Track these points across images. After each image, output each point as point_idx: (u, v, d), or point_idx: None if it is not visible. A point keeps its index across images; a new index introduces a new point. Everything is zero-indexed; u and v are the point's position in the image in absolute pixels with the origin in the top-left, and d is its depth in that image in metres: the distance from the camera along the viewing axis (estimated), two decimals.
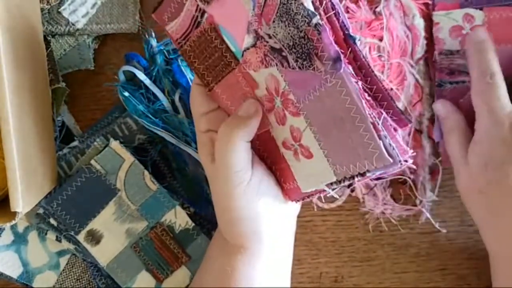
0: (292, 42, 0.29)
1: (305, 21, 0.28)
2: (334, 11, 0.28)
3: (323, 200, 0.46)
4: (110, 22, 0.47)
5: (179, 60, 0.45)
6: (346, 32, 0.28)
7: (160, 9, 0.36)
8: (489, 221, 0.38)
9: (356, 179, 0.30)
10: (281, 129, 0.34)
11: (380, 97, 0.29)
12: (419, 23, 0.43)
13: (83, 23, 0.46)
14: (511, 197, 0.36)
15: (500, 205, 0.37)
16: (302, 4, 0.28)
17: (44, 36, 0.46)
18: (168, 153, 0.47)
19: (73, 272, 0.46)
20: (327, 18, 0.28)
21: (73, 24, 0.46)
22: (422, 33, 0.43)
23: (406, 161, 0.28)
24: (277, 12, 0.29)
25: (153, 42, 0.46)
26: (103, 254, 0.45)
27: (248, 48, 0.32)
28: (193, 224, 0.45)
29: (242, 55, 0.33)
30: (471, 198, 0.39)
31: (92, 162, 0.44)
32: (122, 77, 0.46)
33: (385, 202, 0.45)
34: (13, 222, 0.38)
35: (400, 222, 0.46)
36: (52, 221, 0.44)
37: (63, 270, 0.46)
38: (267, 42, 0.31)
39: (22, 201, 0.37)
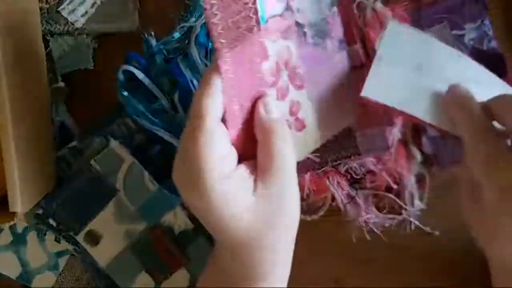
0: (314, 21, 0.35)
1: (328, 8, 0.36)
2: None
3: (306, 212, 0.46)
4: (109, 21, 0.47)
5: (178, 60, 0.45)
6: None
7: None
8: None
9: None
10: (279, 104, 0.34)
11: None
12: None
13: (82, 23, 0.46)
14: None
15: None
16: None
17: (43, 36, 0.46)
18: (168, 153, 0.47)
19: (72, 272, 0.46)
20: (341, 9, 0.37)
21: (72, 24, 0.46)
22: None
23: None
24: None
25: (153, 42, 0.46)
26: (102, 254, 0.44)
27: (273, 16, 0.32)
28: (193, 225, 0.45)
29: (266, 21, 0.32)
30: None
31: (92, 162, 0.44)
32: (121, 76, 0.46)
33: (367, 212, 0.45)
34: (12, 222, 0.38)
35: (401, 222, 0.46)
36: (51, 221, 0.44)
37: (62, 270, 0.46)
38: (294, 14, 0.34)
39: (21, 202, 0.37)
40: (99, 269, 0.45)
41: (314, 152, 0.38)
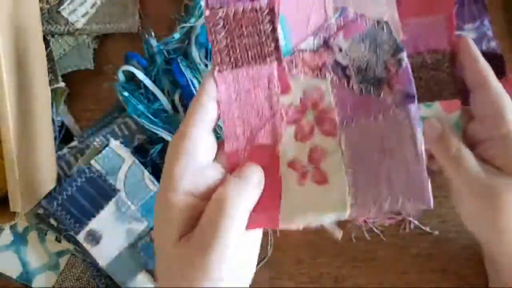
0: (365, 66, 0.30)
1: (391, 52, 0.30)
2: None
3: None
4: (109, 21, 0.47)
5: (178, 60, 0.45)
6: None
7: None
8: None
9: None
10: (296, 145, 0.31)
11: None
12: None
13: (82, 23, 0.46)
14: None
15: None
16: (394, 38, 0.30)
17: (44, 36, 0.46)
18: None
19: (72, 272, 0.46)
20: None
21: (72, 24, 0.46)
22: None
23: None
24: (362, 33, 0.31)
25: (153, 42, 0.46)
26: (103, 254, 0.44)
27: (304, 50, 0.31)
28: None
29: (292, 53, 0.31)
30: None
31: (92, 162, 0.44)
32: (121, 77, 0.46)
33: None
34: (13, 222, 0.38)
35: (401, 222, 0.46)
36: (52, 221, 0.44)
37: (63, 270, 0.46)
38: (334, 54, 0.31)
39: (22, 201, 0.37)
40: (99, 269, 0.45)
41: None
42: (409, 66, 0.30)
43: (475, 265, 0.45)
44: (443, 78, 0.35)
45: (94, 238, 0.44)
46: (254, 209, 0.30)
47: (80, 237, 0.44)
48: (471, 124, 0.37)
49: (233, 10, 0.30)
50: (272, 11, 0.30)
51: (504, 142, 0.34)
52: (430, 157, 0.39)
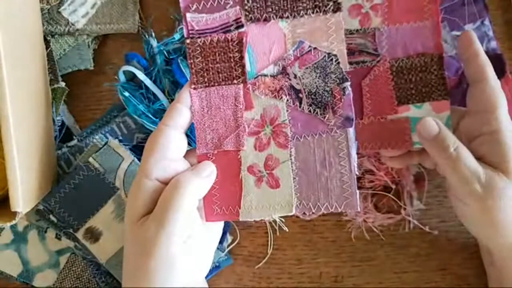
0: (315, 91, 0.36)
1: (336, 81, 0.36)
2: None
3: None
4: (110, 22, 0.47)
5: (179, 60, 0.45)
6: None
7: None
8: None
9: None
10: (255, 154, 0.37)
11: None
12: None
13: (83, 23, 0.46)
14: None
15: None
16: (341, 69, 0.36)
17: (44, 36, 0.46)
18: None
19: (72, 270, 0.47)
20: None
21: (73, 24, 0.46)
22: None
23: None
24: (314, 63, 0.36)
25: (153, 42, 0.46)
26: (102, 251, 0.45)
27: (265, 75, 0.37)
28: None
29: (256, 77, 0.37)
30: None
31: (90, 159, 0.44)
32: (122, 77, 0.46)
33: (366, 211, 0.45)
34: (13, 222, 0.38)
35: (400, 221, 0.46)
36: (52, 217, 0.44)
37: (63, 268, 0.46)
38: (290, 80, 0.37)
39: (22, 201, 0.37)
40: (99, 267, 0.46)
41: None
42: (351, 94, 0.36)
43: (474, 264, 0.45)
44: (432, 79, 0.38)
45: (93, 235, 0.44)
46: (218, 203, 0.37)
47: (79, 234, 0.44)
48: (463, 121, 0.37)
49: (209, 40, 0.37)
50: (240, 42, 0.37)
51: (494, 138, 0.34)
52: (422, 154, 0.39)
